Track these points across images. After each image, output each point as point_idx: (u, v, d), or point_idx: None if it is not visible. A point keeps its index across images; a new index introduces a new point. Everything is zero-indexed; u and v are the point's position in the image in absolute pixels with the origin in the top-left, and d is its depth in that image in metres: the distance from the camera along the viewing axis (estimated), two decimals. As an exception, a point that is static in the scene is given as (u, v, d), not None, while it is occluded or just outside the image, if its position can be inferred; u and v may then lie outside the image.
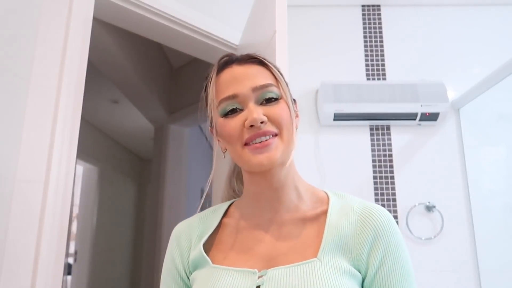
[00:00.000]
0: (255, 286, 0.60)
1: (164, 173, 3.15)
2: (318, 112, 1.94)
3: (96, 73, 2.52)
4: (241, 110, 0.65)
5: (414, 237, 1.82)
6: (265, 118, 0.63)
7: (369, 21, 2.11)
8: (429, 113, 1.88)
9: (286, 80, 0.72)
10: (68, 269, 4.16)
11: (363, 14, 2.12)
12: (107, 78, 2.81)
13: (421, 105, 1.86)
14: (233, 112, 0.65)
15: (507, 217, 1.80)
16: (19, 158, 1.11)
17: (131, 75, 2.66)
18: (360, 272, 0.62)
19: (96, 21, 1.58)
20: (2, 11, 1.07)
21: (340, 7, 2.12)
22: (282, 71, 0.71)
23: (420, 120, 1.90)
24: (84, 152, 4.07)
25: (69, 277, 4.18)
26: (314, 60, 2.05)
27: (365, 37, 2.09)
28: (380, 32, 2.09)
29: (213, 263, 0.66)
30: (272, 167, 0.65)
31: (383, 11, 2.11)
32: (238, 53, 0.74)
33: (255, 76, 0.66)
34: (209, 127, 0.74)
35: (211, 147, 0.74)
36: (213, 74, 0.70)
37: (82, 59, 1.29)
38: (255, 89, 0.65)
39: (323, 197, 0.71)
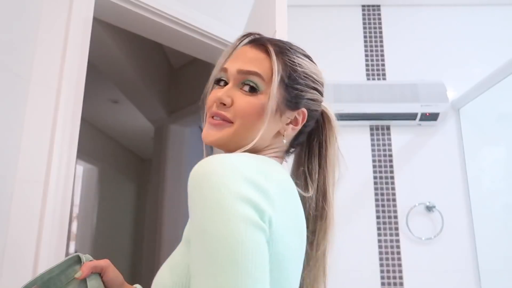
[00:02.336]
0: None
1: (164, 173, 3.15)
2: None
3: (96, 73, 2.52)
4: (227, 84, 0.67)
5: (414, 237, 1.82)
6: (227, 101, 0.63)
7: (369, 21, 2.11)
8: (429, 113, 1.88)
9: (296, 88, 0.67)
10: (68, 269, 4.15)
11: (363, 14, 2.12)
12: (107, 78, 2.81)
13: (421, 105, 1.86)
14: (220, 84, 0.67)
15: (507, 217, 1.80)
16: (19, 158, 1.11)
17: (131, 75, 2.66)
18: None
19: (96, 21, 1.58)
20: (2, 11, 1.07)
21: (340, 7, 2.12)
22: (298, 79, 0.67)
23: (420, 120, 1.90)
24: (84, 152, 4.07)
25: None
26: (314, 60, 2.04)
27: (365, 37, 2.09)
28: (380, 32, 2.09)
29: None
30: (210, 144, 0.65)
31: (383, 11, 2.11)
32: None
33: (251, 61, 0.65)
34: None
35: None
36: (234, 45, 0.71)
37: (82, 59, 1.29)
38: (240, 72, 0.65)
39: None
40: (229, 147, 0.65)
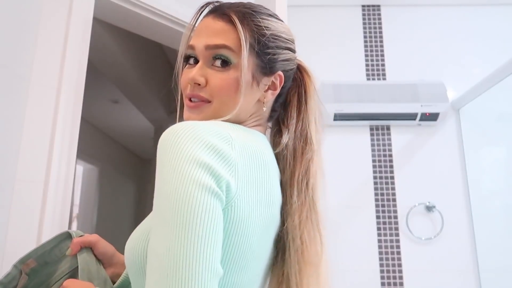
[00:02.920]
0: None
1: (164, 173, 3.15)
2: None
3: (96, 73, 2.52)
4: (197, 63, 0.65)
5: (414, 237, 1.82)
6: (201, 81, 0.62)
7: (369, 21, 2.11)
8: (429, 113, 1.88)
9: (268, 52, 0.65)
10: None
11: (363, 14, 2.12)
12: (107, 78, 2.80)
13: (421, 105, 1.87)
14: (190, 63, 0.66)
15: (507, 217, 1.80)
16: (19, 158, 1.11)
17: (131, 75, 2.66)
18: None
19: (96, 21, 1.58)
20: (2, 11, 1.07)
21: (340, 7, 2.12)
22: (268, 43, 0.65)
23: (420, 120, 1.90)
24: (84, 152, 4.07)
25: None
26: (314, 60, 2.03)
27: (365, 37, 2.09)
28: (380, 32, 2.09)
29: None
30: None
31: (383, 11, 2.11)
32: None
33: (216, 33, 0.63)
34: None
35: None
36: (194, 18, 0.70)
37: (82, 59, 1.29)
38: (208, 47, 0.63)
39: None
40: None
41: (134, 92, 2.94)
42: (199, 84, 0.63)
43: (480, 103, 1.84)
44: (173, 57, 3.37)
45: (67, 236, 0.76)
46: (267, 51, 0.65)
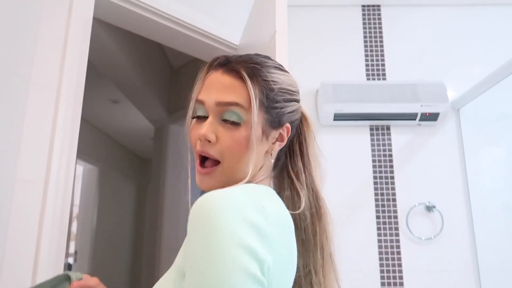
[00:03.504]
0: None
1: (164, 173, 3.15)
2: (318, 112, 1.94)
3: (96, 73, 2.52)
4: (207, 118, 0.65)
5: (414, 237, 1.82)
6: (212, 138, 0.62)
7: (369, 21, 2.11)
8: (429, 113, 1.88)
9: (276, 106, 0.66)
10: (68, 269, 4.16)
11: (363, 14, 2.12)
12: (107, 78, 2.80)
13: (421, 105, 1.86)
14: (200, 117, 0.65)
15: (507, 217, 1.80)
16: (19, 158, 1.11)
17: (131, 75, 2.66)
18: None
19: (96, 21, 1.58)
20: (2, 11, 1.07)
21: (340, 7, 2.12)
22: (276, 97, 0.66)
23: (420, 120, 1.90)
24: (84, 152, 4.07)
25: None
26: (314, 60, 2.05)
27: (365, 37, 2.09)
28: (380, 32, 2.09)
29: None
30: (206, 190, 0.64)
31: (383, 11, 2.11)
32: (238, 53, 0.73)
33: (227, 90, 0.63)
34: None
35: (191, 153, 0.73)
36: (204, 72, 0.68)
37: (82, 59, 1.29)
38: (218, 104, 0.63)
39: None
40: (224, 184, 0.63)
41: (134, 92, 2.94)
42: (209, 141, 0.63)
43: (480, 103, 1.84)
44: (173, 57, 3.38)
45: (65, 278, 0.73)
46: (276, 106, 0.66)
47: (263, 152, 0.67)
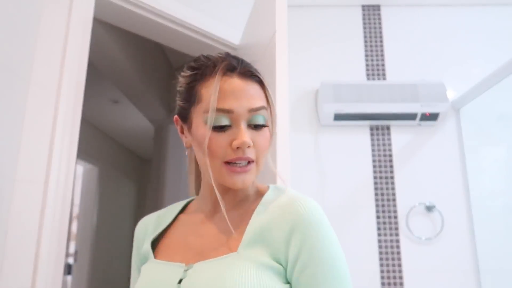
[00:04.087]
0: (179, 279, 0.63)
1: (164, 173, 3.15)
2: (318, 112, 1.94)
3: (96, 73, 2.52)
4: (229, 126, 0.65)
5: (414, 237, 1.82)
6: (251, 144, 0.65)
7: (369, 21, 2.11)
8: (429, 113, 1.88)
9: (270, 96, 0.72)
10: (68, 269, 4.16)
11: (363, 14, 2.12)
12: (107, 78, 2.80)
13: (421, 105, 1.86)
14: (223, 127, 0.65)
15: (507, 217, 1.80)
16: (19, 158, 1.11)
17: (131, 75, 2.66)
18: (281, 265, 0.62)
19: (96, 21, 1.58)
20: (2, 11, 1.07)
21: (340, 7, 2.12)
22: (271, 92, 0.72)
23: (420, 120, 1.90)
24: (84, 152, 4.07)
25: (69, 277, 4.18)
26: (314, 60, 2.05)
27: (365, 37, 2.09)
28: (380, 32, 2.09)
29: (155, 257, 0.72)
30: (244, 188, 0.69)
31: (383, 11, 2.11)
32: (238, 53, 0.74)
33: (253, 96, 0.66)
34: (177, 116, 0.73)
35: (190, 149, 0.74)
36: (216, 76, 0.66)
37: (82, 59, 1.29)
38: (251, 111, 0.65)
39: (262, 190, 0.73)
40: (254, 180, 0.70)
41: (134, 92, 2.94)
42: (248, 146, 0.65)
43: (480, 103, 1.84)
44: (173, 57, 3.39)
45: None
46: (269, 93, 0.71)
47: None
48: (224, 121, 0.64)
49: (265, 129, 0.67)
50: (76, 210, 4.34)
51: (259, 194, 0.72)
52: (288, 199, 0.65)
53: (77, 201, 4.33)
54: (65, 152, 1.20)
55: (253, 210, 0.68)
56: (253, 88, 0.67)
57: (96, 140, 4.59)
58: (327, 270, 0.60)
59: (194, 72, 0.70)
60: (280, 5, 1.19)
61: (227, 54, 0.71)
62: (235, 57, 0.70)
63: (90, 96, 1.49)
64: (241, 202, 0.71)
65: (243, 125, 0.65)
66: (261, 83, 0.69)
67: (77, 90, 1.26)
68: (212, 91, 0.65)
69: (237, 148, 0.64)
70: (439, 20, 2.09)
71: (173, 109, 0.75)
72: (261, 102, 0.67)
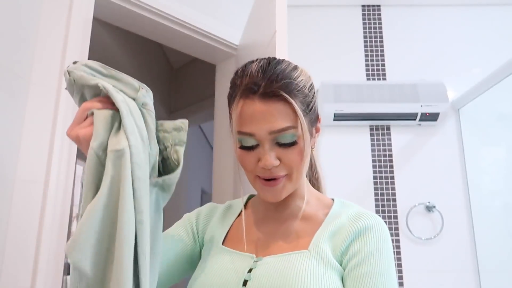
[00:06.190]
0: (249, 268, 0.67)
1: (164, 173, 3.15)
2: (318, 112, 1.94)
3: (96, 73, 2.51)
4: (257, 145, 0.66)
5: (414, 237, 1.82)
6: (277, 163, 0.65)
7: (369, 21, 2.11)
8: (429, 113, 1.88)
9: (312, 106, 0.69)
10: (68, 269, 4.15)
11: (363, 14, 2.12)
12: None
13: (421, 105, 1.86)
14: (250, 147, 0.67)
15: (507, 217, 1.80)
16: (19, 158, 1.11)
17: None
18: (341, 265, 0.66)
19: (96, 21, 1.58)
20: (2, 11, 1.07)
21: (340, 7, 2.12)
22: (309, 98, 0.68)
23: (420, 120, 1.90)
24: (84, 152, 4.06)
25: (69, 277, 4.18)
26: (314, 60, 2.05)
27: (365, 37, 2.09)
28: (380, 32, 2.09)
29: (222, 244, 0.75)
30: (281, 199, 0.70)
31: (383, 11, 2.11)
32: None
33: (275, 118, 0.63)
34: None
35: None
36: (235, 101, 0.67)
37: (82, 59, 1.29)
38: (272, 133, 0.64)
39: (328, 202, 0.76)
40: (290, 192, 0.70)
41: (134, 92, 2.93)
42: (275, 166, 0.66)
43: (480, 103, 1.84)
44: (173, 57, 3.39)
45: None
46: (311, 106, 0.69)
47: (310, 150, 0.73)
48: (250, 142, 0.66)
49: (296, 145, 0.65)
50: (76, 210, 4.33)
51: (322, 203, 0.76)
52: (359, 211, 0.70)
53: (77, 201, 4.32)
54: (65, 152, 1.20)
55: (317, 216, 0.72)
56: (275, 108, 0.63)
57: (96, 140, 4.58)
58: (380, 272, 0.65)
59: (230, 91, 0.71)
60: (280, 5, 1.20)
61: (259, 68, 0.66)
62: (264, 71, 0.65)
63: (90, 96, 1.50)
64: (298, 207, 0.74)
65: (267, 147, 0.65)
66: (287, 100, 0.64)
67: (77, 90, 1.26)
68: (233, 116, 0.67)
69: (263, 168, 0.66)
70: (439, 20, 2.09)
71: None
72: (285, 122, 0.63)
